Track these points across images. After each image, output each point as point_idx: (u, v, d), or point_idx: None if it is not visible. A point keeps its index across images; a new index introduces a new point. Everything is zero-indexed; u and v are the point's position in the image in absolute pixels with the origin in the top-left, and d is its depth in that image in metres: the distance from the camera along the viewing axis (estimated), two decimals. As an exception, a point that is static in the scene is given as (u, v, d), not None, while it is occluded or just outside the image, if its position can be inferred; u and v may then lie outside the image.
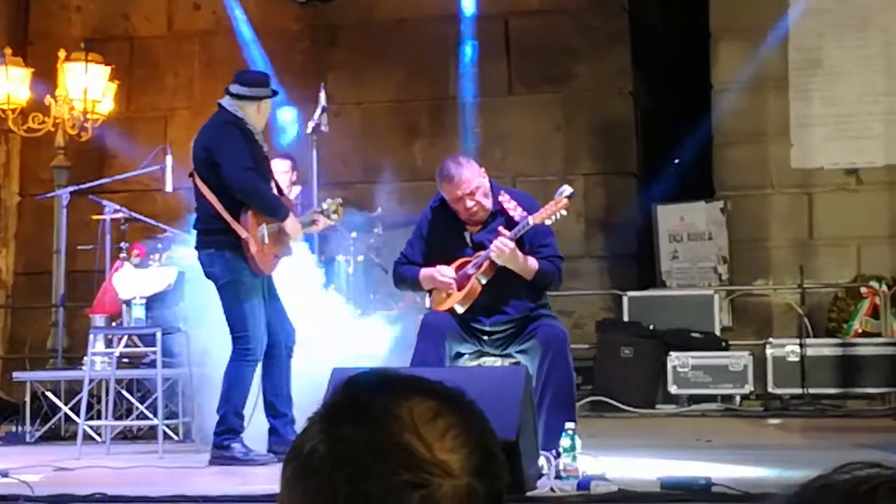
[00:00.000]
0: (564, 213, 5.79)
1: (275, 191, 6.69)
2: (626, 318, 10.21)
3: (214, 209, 6.43)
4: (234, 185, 6.39)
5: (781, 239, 10.76)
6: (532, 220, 5.77)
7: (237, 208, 6.42)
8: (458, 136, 11.06)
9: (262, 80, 6.83)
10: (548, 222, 5.79)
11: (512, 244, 5.74)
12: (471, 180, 5.90)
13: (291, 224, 6.58)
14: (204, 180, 6.49)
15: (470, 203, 5.90)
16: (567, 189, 5.82)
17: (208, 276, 6.56)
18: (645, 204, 11.08)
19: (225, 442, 6.43)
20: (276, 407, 6.58)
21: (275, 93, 6.79)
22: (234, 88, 6.62)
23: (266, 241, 6.45)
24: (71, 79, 9.96)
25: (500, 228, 5.81)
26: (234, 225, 6.38)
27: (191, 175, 6.62)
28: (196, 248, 6.59)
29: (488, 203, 5.94)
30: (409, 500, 1.09)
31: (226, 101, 6.59)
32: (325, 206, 6.75)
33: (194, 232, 6.62)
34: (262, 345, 6.49)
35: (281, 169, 7.11)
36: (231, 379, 6.49)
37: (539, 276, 5.85)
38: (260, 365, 6.58)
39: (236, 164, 6.40)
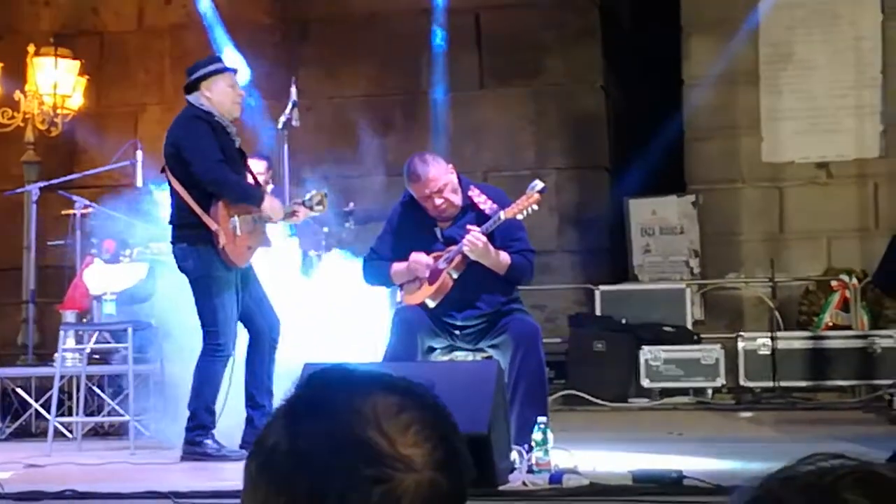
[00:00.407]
0: (536, 207, 5.80)
1: (250, 181, 6.65)
2: (598, 312, 10.23)
3: (186, 203, 6.39)
4: (204, 179, 6.36)
5: (752, 233, 10.80)
6: (504, 214, 5.78)
7: (208, 202, 6.38)
8: (430, 130, 11.06)
9: (207, 60, 6.76)
10: (519, 217, 5.80)
11: (484, 238, 5.75)
12: (438, 178, 5.89)
13: (269, 205, 6.53)
14: (174, 175, 6.46)
15: (438, 200, 5.90)
16: (538, 184, 5.83)
17: (181, 270, 6.53)
18: (617, 198, 11.11)
19: (197, 438, 6.41)
20: (255, 398, 6.55)
21: (228, 68, 6.69)
22: (188, 81, 6.59)
23: (238, 232, 6.39)
24: (40, 74, 9.91)
25: (470, 226, 5.80)
26: (205, 218, 6.33)
27: (162, 170, 6.60)
28: (170, 242, 6.56)
29: (457, 199, 5.94)
30: (371, 495, 1.09)
31: (191, 98, 6.56)
32: (307, 196, 6.72)
33: (169, 227, 6.59)
34: (232, 340, 6.46)
35: (257, 170, 7.08)
36: (201, 374, 6.46)
37: (511, 271, 5.86)
38: (244, 356, 6.56)
39: (205, 157, 6.36)
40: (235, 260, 6.39)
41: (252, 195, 6.51)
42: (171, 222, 6.56)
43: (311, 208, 6.69)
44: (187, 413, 6.49)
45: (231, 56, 10.59)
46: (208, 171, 6.35)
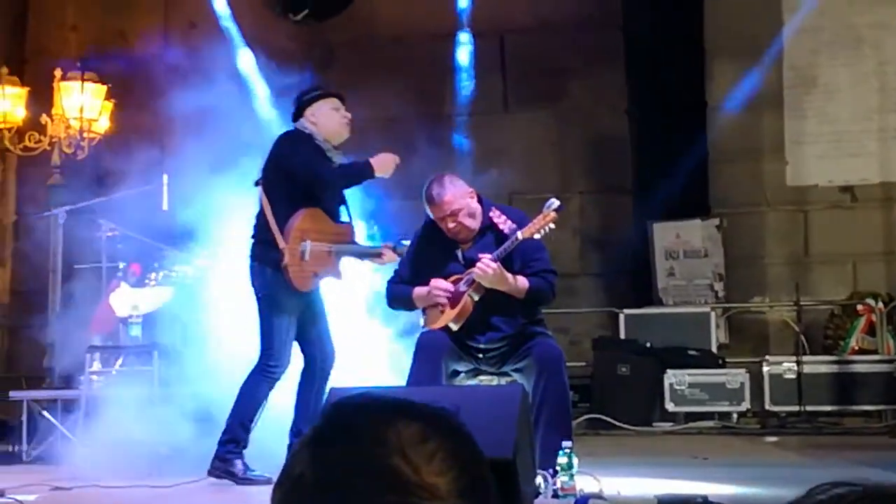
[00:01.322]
0: (553, 226, 5.77)
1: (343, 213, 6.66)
2: (622, 336, 10.21)
3: (266, 220, 6.41)
4: (317, 178, 6.37)
5: (777, 256, 10.77)
6: (521, 234, 5.77)
7: (287, 223, 6.38)
8: (454, 153, 11.08)
9: (310, 87, 6.82)
10: (537, 236, 5.78)
11: (495, 265, 5.71)
12: (453, 202, 5.89)
13: (379, 166, 6.53)
14: (266, 190, 6.47)
15: (451, 224, 5.90)
16: (555, 202, 5.81)
17: (252, 286, 6.55)
18: (640, 221, 11.09)
19: (227, 455, 6.38)
20: (300, 427, 6.51)
21: (332, 93, 6.71)
22: (294, 109, 6.65)
23: (306, 257, 6.35)
24: (67, 98, 9.98)
25: (481, 254, 5.79)
26: (277, 235, 6.33)
27: (256, 184, 6.61)
28: (248, 257, 6.56)
29: (473, 223, 5.93)
30: (395, 524, 1.09)
31: (297, 124, 6.59)
32: (405, 242, 6.57)
33: (250, 241, 6.59)
34: (285, 364, 6.42)
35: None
36: (246, 390, 6.44)
37: (531, 294, 5.84)
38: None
39: (313, 167, 6.37)
40: (297, 283, 6.33)
41: (361, 173, 6.51)
42: (251, 237, 6.56)
43: (396, 252, 6.64)
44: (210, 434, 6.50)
45: (254, 78, 10.65)
46: (320, 179, 6.38)
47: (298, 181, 6.37)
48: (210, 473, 6.35)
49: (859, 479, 0.96)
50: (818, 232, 10.69)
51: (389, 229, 9.12)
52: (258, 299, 6.49)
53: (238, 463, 6.38)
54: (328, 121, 6.53)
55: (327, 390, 6.39)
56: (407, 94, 11.33)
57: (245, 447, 6.45)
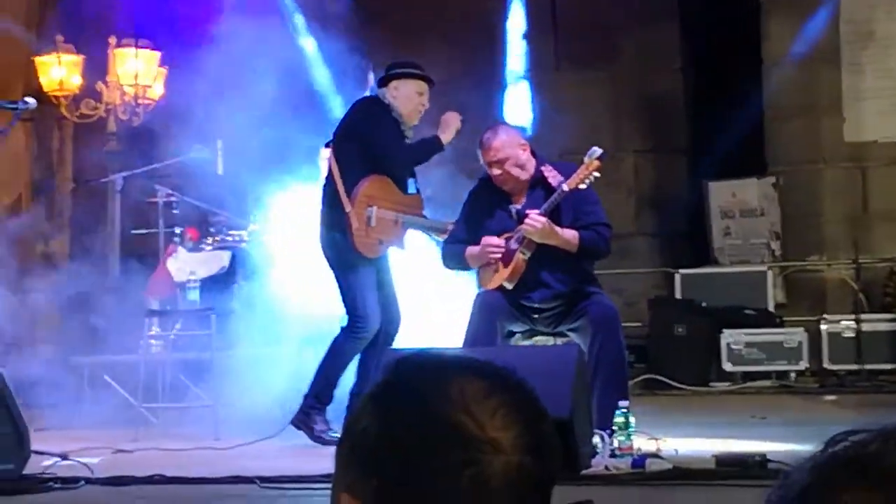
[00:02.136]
0: (598, 174, 5.75)
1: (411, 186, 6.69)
2: (678, 296, 10.17)
3: (335, 186, 6.47)
4: (388, 158, 6.46)
5: (835, 214, 10.66)
6: (566, 186, 5.74)
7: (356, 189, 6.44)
8: (505, 114, 11.03)
9: (407, 62, 6.83)
10: (582, 186, 5.75)
11: (543, 219, 5.70)
12: (501, 148, 5.90)
13: (445, 133, 6.63)
14: (336, 155, 6.53)
15: (497, 171, 5.91)
16: (597, 150, 5.78)
17: (324, 254, 6.61)
18: (696, 180, 11.01)
19: (310, 409, 6.48)
20: (360, 387, 6.59)
21: (423, 76, 6.72)
22: (384, 74, 6.72)
23: (373, 223, 6.41)
24: (121, 64, 10.04)
25: (528, 210, 5.77)
26: (344, 199, 6.39)
27: (327, 145, 6.69)
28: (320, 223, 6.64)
29: (521, 173, 5.91)
30: (460, 479, 1.10)
31: (380, 90, 6.65)
32: None
33: (320, 206, 6.66)
34: (371, 323, 6.49)
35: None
36: (333, 347, 6.54)
37: (583, 247, 5.80)
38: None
39: (384, 140, 6.44)
40: (362, 248, 6.41)
41: (430, 149, 6.62)
42: (321, 201, 6.63)
43: None
44: (267, 399, 6.58)
45: (305, 39, 10.65)
46: (391, 152, 6.46)
47: (371, 151, 6.41)
48: (292, 422, 6.45)
49: (874, 424, 0.95)
50: (877, 189, 10.56)
51: (440, 193, 9.13)
52: (332, 266, 6.56)
53: (318, 419, 6.47)
54: (407, 102, 6.58)
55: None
56: (457, 56, 11.29)
57: (328, 404, 6.53)
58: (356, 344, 6.52)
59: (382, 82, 6.66)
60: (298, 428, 6.43)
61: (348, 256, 6.43)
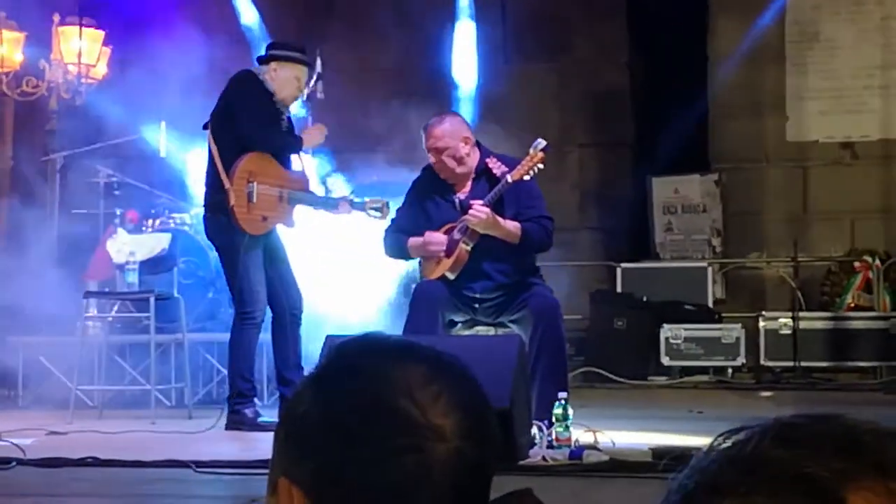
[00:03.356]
0: (541, 166, 5.75)
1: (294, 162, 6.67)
2: (619, 290, 10.22)
3: (215, 166, 6.43)
4: (247, 133, 6.41)
5: (776, 212, 10.76)
6: (510, 177, 5.75)
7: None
8: (453, 105, 11.02)
9: (291, 45, 6.83)
10: (526, 177, 5.76)
11: (487, 210, 5.70)
12: (441, 137, 5.90)
13: (308, 138, 6.62)
14: (213, 133, 6.49)
15: (433, 158, 5.92)
16: (541, 142, 5.79)
17: (208, 237, 6.60)
18: (640, 175, 11.07)
19: (236, 407, 6.47)
20: (283, 375, 6.58)
21: (305, 62, 6.72)
22: (264, 52, 6.74)
23: (254, 199, 6.36)
24: (65, 42, 9.91)
25: (472, 201, 5.77)
26: (224, 178, 6.36)
27: (205, 127, 6.61)
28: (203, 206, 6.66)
29: (457, 167, 5.91)
30: (403, 464, 1.08)
31: (258, 68, 6.65)
32: (364, 199, 6.72)
33: (204, 189, 6.64)
34: (259, 307, 6.48)
35: None
36: (232, 343, 6.56)
37: (525, 239, 5.81)
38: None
39: (250, 114, 6.41)
40: (245, 225, 6.35)
41: (288, 144, 6.58)
42: (204, 184, 6.62)
43: (364, 210, 6.66)
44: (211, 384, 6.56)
45: (254, 24, 10.57)
46: (248, 127, 6.39)
47: (237, 126, 6.40)
48: (227, 428, 6.43)
49: (760, 419, 0.94)
50: (817, 188, 10.67)
51: (389, 180, 9.11)
52: (217, 249, 6.60)
53: (247, 412, 6.44)
54: (285, 85, 6.56)
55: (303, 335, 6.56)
56: (407, 45, 11.27)
57: (253, 395, 6.53)
58: (250, 329, 6.50)
59: (262, 60, 6.65)
60: (236, 429, 6.40)
61: (233, 238, 6.37)
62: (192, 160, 8.55)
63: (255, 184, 6.37)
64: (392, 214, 6.36)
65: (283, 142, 6.57)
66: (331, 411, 1.11)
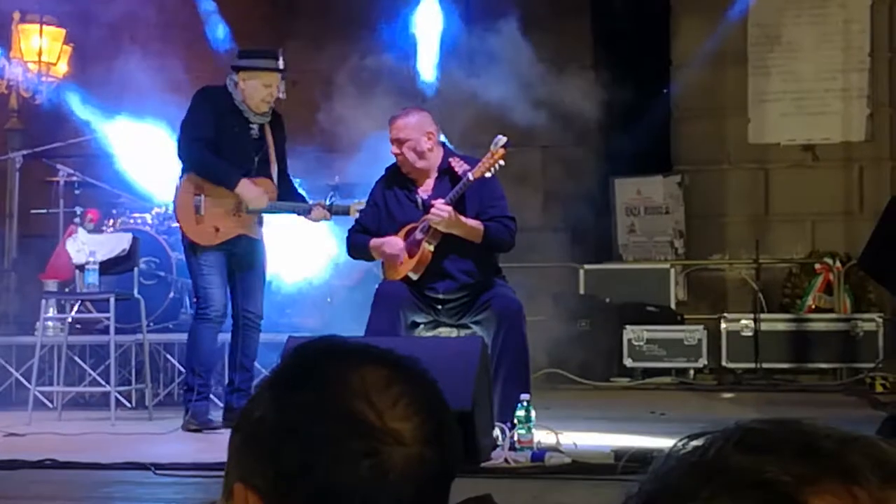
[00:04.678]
0: (502, 163, 5.75)
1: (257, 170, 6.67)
2: (582, 291, 10.23)
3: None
4: (178, 152, 6.60)
5: (738, 214, 10.80)
6: (472, 175, 5.74)
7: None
8: (419, 105, 10.99)
9: (260, 53, 6.86)
10: (488, 175, 5.75)
11: (449, 209, 5.69)
12: (402, 128, 5.90)
13: (243, 190, 6.53)
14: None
15: (394, 149, 5.91)
16: (501, 139, 5.78)
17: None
18: (603, 177, 11.08)
19: (187, 402, 6.58)
20: (232, 378, 6.66)
21: (276, 69, 6.74)
22: (234, 61, 6.83)
23: (202, 212, 6.52)
24: (25, 40, 9.83)
25: (433, 201, 5.76)
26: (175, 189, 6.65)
27: None
28: None
29: (417, 161, 5.90)
30: (359, 469, 1.07)
31: (230, 76, 6.73)
32: (337, 201, 6.73)
33: None
34: (213, 305, 6.57)
35: None
36: (188, 338, 6.72)
37: (488, 239, 5.80)
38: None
39: (184, 131, 6.55)
40: (193, 237, 6.55)
41: (222, 177, 6.54)
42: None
43: (329, 210, 6.63)
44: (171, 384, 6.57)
45: (217, 25, 10.52)
46: (181, 146, 6.55)
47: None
48: (182, 428, 6.48)
49: (722, 421, 0.94)
50: (779, 190, 10.73)
51: (352, 181, 9.08)
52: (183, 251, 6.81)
53: (198, 407, 6.46)
54: (253, 94, 6.62)
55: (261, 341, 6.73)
56: (371, 45, 11.24)
57: (205, 391, 6.57)
58: (204, 326, 6.61)
59: (233, 68, 6.73)
60: (189, 429, 6.46)
61: (187, 242, 6.63)
62: (151, 160, 8.49)
63: (202, 196, 6.53)
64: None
65: (212, 169, 6.55)
66: (287, 415, 1.10)
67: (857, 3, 10.51)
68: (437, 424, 1.13)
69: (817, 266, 10.10)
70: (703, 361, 9.68)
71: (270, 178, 6.69)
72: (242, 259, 6.66)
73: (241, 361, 6.64)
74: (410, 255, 5.86)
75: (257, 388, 1.17)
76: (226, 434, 1.16)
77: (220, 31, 10.58)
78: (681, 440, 0.92)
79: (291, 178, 6.92)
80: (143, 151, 8.70)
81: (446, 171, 5.93)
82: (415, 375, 1.16)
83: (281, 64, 6.86)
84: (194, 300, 6.77)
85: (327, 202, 6.71)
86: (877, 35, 10.47)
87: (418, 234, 5.83)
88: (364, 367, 1.13)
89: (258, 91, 6.59)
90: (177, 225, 6.86)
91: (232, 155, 6.53)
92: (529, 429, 5.21)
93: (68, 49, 10.18)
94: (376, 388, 1.11)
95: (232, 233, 6.57)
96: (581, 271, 10.28)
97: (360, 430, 1.08)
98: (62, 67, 10.14)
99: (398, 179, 6.01)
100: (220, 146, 6.52)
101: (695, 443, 0.91)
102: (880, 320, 9.39)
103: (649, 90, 10.92)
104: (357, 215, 6.41)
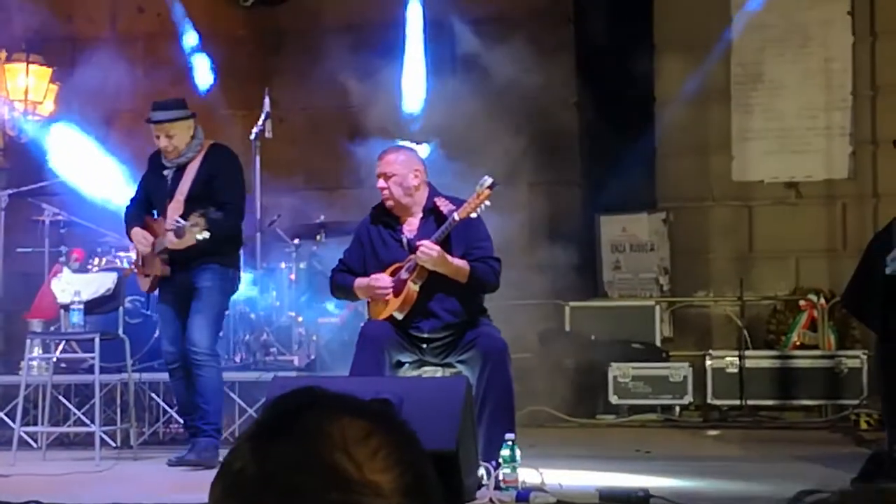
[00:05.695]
0: (488, 203, 5.77)
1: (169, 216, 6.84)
2: (567, 328, 10.23)
3: None
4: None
5: (722, 251, 10.84)
6: (457, 215, 5.76)
7: None
8: (403, 143, 11.02)
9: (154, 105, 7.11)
10: (473, 215, 5.78)
11: (437, 248, 5.72)
12: (391, 163, 5.96)
13: (133, 237, 6.97)
14: None
15: (381, 183, 5.96)
16: (487, 180, 5.81)
17: None
18: (588, 214, 11.12)
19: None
20: (185, 419, 7.04)
21: (149, 121, 6.96)
22: None
23: (140, 262, 6.98)
24: (11, 79, 9.85)
25: (419, 242, 5.78)
26: None
27: None
28: None
29: (403, 197, 5.94)
30: (338, 521, 1.08)
31: None
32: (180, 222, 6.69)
33: None
34: (164, 356, 6.96)
35: None
36: None
37: (473, 278, 5.83)
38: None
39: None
40: (141, 285, 7.07)
41: (126, 230, 7.04)
42: None
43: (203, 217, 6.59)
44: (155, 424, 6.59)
45: (203, 66, 10.55)
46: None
47: None
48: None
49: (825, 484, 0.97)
50: (762, 228, 10.77)
51: (339, 219, 9.09)
52: None
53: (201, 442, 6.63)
54: (161, 143, 6.95)
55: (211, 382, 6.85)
56: (356, 83, 11.28)
57: (189, 433, 6.69)
58: (170, 375, 6.96)
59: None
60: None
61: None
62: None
63: (139, 246, 6.95)
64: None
65: (124, 217, 7.06)
66: (266, 468, 1.11)
67: (838, 41, 10.60)
68: (416, 476, 1.14)
69: (801, 303, 10.12)
70: (688, 398, 9.68)
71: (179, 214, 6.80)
72: (188, 294, 6.80)
73: (193, 400, 6.74)
74: (396, 295, 5.87)
75: (238, 440, 1.18)
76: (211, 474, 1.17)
77: (205, 69, 10.61)
78: (800, 494, 0.95)
79: (226, 208, 6.76)
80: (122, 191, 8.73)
81: (431, 211, 5.96)
82: (394, 427, 1.17)
83: (157, 116, 6.92)
84: None
85: (203, 212, 6.59)
86: (858, 73, 10.55)
87: (403, 274, 5.85)
88: (343, 418, 1.14)
89: (156, 140, 6.93)
90: None
91: (155, 203, 6.92)
92: (515, 468, 5.22)
93: (55, 88, 10.20)
94: (355, 439, 1.12)
95: (157, 273, 6.85)
96: (566, 308, 10.29)
97: (339, 482, 1.09)
98: (49, 106, 10.16)
99: (383, 219, 6.03)
100: (150, 198, 6.96)
101: (811, 498, 0.93)
102: (864, 357, 9.41)
103: (633, 128, 10.97)
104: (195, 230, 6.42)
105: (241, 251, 7.14)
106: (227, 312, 7.32)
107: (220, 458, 6.39)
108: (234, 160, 7.00)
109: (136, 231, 6.89)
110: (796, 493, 1.00)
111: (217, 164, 6.86)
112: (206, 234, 6.43)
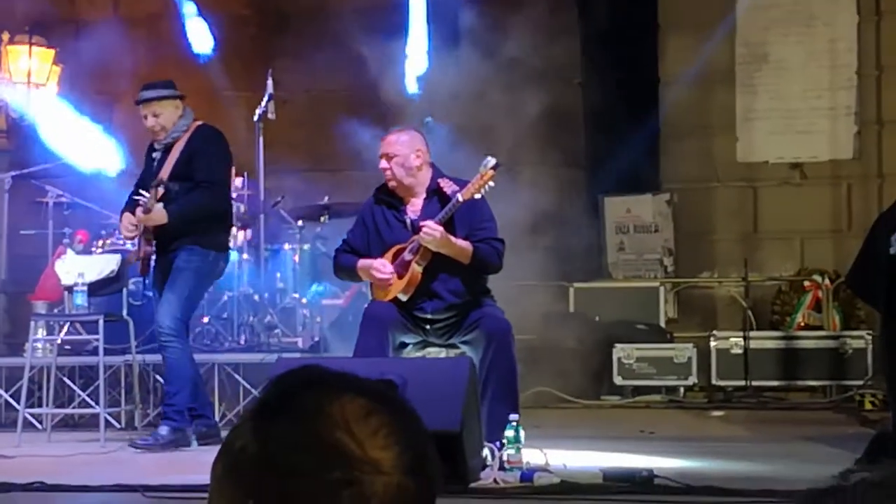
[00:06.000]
0: (492, 184, 5.77)
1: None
2: (571, 310, 10.23)
3: None
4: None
5: (726, 232, 10.82)
6: (461, 196, 5.75)
7: None
8: (406, 124, 11.00)
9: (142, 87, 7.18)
10: (477, 196, 5.77)
11: (440, 228, 5.71)
12: (393, 143, 5.97)
13: (123, 222, 7.05)
14: None
15: (383, 163, 5.95)
16: (491, 160, 5.80)
17: None
18: (592, 195, 11.10)
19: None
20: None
21: (138, 101, 7.06)
22: None
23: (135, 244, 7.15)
24: (14, 61, 9.84)
25: (423, 223, 5.77)
26: None
27: None
28: None
29: (405, 177, 5.94)
30: (339, 498, 1.08)
31: None
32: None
33: None
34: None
35: None
36: None
37: (476, 260, 5.82)
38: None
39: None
40: (141, 273, 7.19)
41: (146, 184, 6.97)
42: None
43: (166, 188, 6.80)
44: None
45: (206, 47, 10.52)
46: None
47: None
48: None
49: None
50: (767, 208, 10.75)
51: (343, 201, 9.08)
52: None
53: (160, 430, 6.60)
54: (148, 123, 7.02)
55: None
56: (360, 65, 11.25)
57: (166, 414, 6.76)
58: None
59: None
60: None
61: None
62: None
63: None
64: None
65: (127, 202, 7.06)
66: (267, 446, 1.11)
67: (843, 21, 10.56)
68: (417, 453, 1.14)
69: (806, 283, 10.12)
70: (693, 379, 9.68)
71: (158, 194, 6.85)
72: (169, 274, 6.84)
73: (167, 377, 6.89)
74: (400, 277, 5.87)
75: (239, 419, 1.18)
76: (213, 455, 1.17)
77: (208, 49, 10.58)
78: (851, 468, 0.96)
79: (202, 186, 6.86)
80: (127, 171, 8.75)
81: (435, 192, 5.95)
82: (395, 405, 1.17)
83: (144, 95, 6.96)
84: None
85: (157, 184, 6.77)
86: (863, 53, 10.51)
87: (407, 255, 5.84)
88: (344, 396, 1.14)
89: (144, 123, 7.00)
90: None
91: (146, 186, 6.88)
92: (519, 449, 5.22)
93: (58, 69, 10.19)
94: (356, 417, 1.12)
95: (145, 254, 6.93)
96: (571, 290, 10.29)
97: (340, 460, 1.09)
98: (52, 88, 10.15)
99: (387, 200, 6.03)
100: (145, 185, 6.92)
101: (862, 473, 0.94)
102: (869, 337, 9.40)
103: (638, 109, 10.94)
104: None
105: (229, 232, 7.16)
106: (205, 294, 7.38)
107: (187, 441, 6.48)
108: (214, 139, 6.95)
109: (124, 217, 6.96)
110: (841, 470, 1.01)
111: (197, 143, 6.86)
112: (159, 205, 6.69)
